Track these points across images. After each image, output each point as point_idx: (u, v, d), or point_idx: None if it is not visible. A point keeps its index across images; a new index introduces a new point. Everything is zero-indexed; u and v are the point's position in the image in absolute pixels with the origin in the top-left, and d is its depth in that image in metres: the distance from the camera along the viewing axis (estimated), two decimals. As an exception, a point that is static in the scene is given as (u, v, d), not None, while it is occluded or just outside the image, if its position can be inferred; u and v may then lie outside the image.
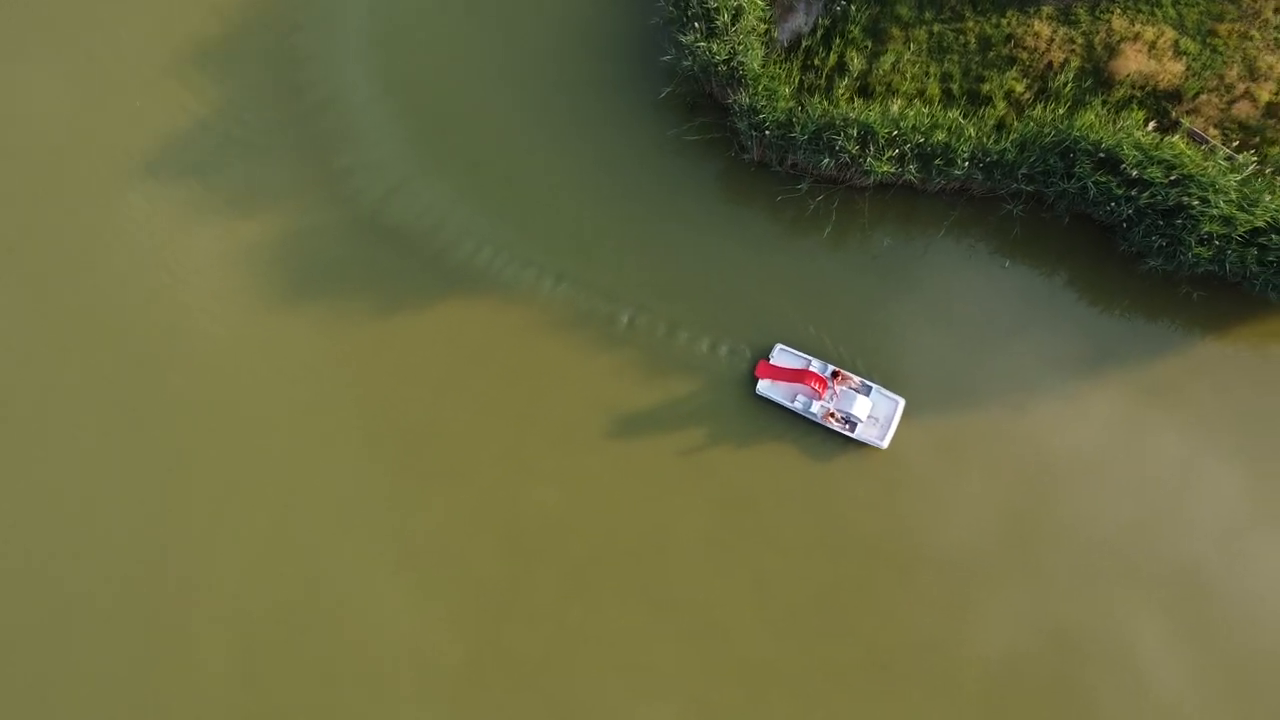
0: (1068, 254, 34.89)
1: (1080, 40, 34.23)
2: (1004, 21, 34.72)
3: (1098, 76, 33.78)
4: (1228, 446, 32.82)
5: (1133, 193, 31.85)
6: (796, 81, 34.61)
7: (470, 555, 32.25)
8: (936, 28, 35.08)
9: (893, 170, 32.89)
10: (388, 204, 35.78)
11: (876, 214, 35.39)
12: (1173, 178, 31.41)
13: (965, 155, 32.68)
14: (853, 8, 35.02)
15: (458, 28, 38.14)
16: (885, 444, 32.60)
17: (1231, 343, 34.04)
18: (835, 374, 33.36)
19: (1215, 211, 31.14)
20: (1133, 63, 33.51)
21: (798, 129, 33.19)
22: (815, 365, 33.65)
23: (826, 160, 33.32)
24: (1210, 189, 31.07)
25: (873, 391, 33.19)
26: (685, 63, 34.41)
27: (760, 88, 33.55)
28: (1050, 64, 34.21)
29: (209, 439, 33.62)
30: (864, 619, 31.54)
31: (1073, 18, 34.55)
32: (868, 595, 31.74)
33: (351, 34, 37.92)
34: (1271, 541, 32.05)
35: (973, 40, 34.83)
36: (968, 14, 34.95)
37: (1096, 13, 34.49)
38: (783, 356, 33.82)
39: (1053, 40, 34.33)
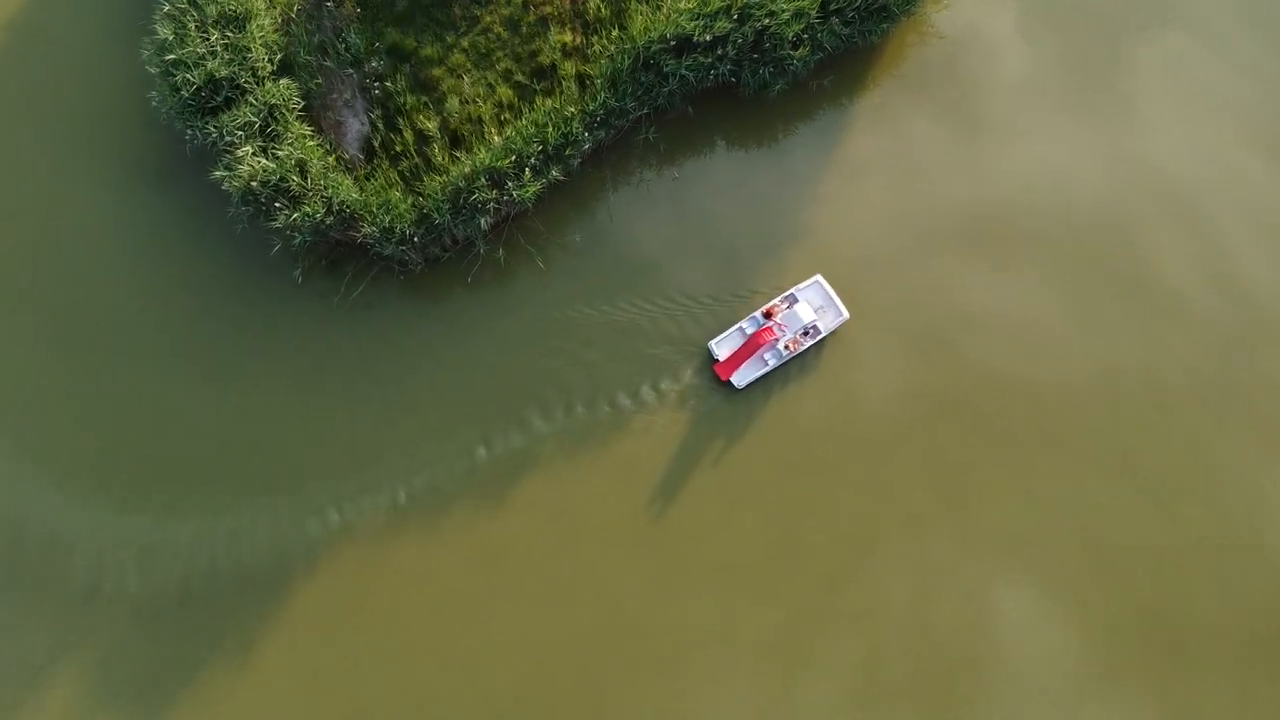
0: (711, 129, 36.20)
1: (578, -35, 34.69)
2: (511, -4, 34.61)
3: (615, -17, 34.49)
4: (930, 135, 37.09)
5: (719, 51, 33.09)
6: (397, 178, 33.26)
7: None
8: (466, 42, 34.48)
9: (539, 185, 32.49)
10: (151, 582, 31.55)
11: (554, 222, 35.05)
12: (735, 15, 32.84)
13: (580, 127, 32.73)
14: (388, 83, 33.78)
15: (75, 379, 33.74)
16: (846, 313, 33.32)
17: (877, 91, 37.33)
18: (767, 314, 33.21)
19: (783, 16, 33.00)
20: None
21: (435, 215, 32.04)
22: (747, 325, 33.31)
23: (480, 219, 32.47)
24: (771, 3, 32.82)
25: (797, 294, 33.53)
26: (295, 240, 32.23)
27: (374, 209, 31.99)
28: (573, 1, 34.60)
29: None
30: (830, 493, 32.54)
31: (558, -48, 34.90)
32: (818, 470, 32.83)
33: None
34: (992, 143, 37.02)
35: (502, 30, 34.51)
36: (479, 13, 34.49)
37: (571, -65, 35.03)
38: (723, 346, 33.18)
39: (559, -19, 34.59)
